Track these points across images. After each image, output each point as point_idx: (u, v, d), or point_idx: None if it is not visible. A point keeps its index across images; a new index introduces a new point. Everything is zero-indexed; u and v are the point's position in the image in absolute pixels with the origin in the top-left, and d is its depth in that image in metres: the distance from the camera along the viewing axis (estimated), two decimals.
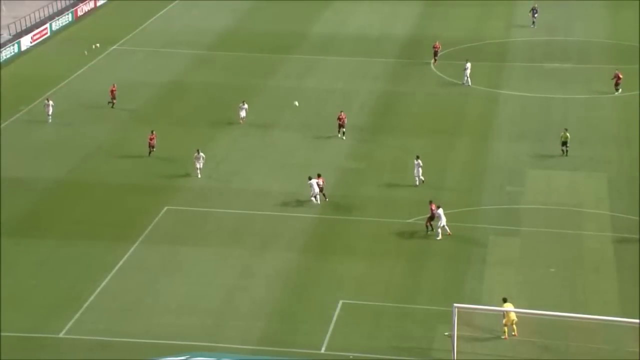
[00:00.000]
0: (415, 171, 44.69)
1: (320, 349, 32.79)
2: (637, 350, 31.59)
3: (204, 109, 56.00)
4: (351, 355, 32.30)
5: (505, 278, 37.45)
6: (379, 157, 49.04)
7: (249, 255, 39.43)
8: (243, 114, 52.22)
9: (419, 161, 44.62)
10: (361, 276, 37.71)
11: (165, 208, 43.42)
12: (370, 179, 46.44)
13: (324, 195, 43.21)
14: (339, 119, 50.66)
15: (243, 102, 52.74)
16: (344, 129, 50.60)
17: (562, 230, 41.25)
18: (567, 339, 32.85)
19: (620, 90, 56.05)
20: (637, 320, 31.99)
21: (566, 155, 47.05)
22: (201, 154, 45.51)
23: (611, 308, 35.04)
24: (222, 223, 42.06)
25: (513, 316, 32.74)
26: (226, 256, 39.39)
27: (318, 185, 43.01)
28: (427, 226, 40.25)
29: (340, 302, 35.65)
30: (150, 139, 48.44)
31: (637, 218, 41.81)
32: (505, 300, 33.47)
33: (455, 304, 32.05)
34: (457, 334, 31.78)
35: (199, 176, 45.10)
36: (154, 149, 48.41)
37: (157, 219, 42.41)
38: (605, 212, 42.91)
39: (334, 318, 34.61)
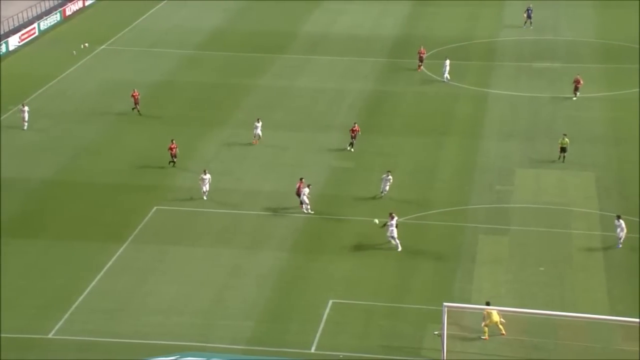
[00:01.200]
0: (382, 185, 43.18)
1: (310, 349, 32.80)
2: (626, 348, 31.69)
3: (195, 108, 55.84)
4: (341, 354, 32.34)
5: (494, 277, 37.56)
6: (369, 156, 49.03)
7: (239, 255, 39.40)
8: (258, 132, 49.34)
9: (390, 177, 43.25)
10: (351, 275, 37.75)
11: (155, 208, 43.34)
12: (360, 179, 46.46)
13: (301, 203, 42.12)
14: (352, 130, 49.00)
15: (258, 119, 49.69)
16: (354, 140, 48.94)
17: (551, 229, 41.39)
18: (556, 338, 32.95)
19: (578, 94, 55.24)
20: (626, 319, 32.13)
21: (563, 161, 46.36)
22: (207, 175, 43.02)
23: (600, 306, 35.19)
24: (212, 223, 42.01)
25: (496, 318, 32.75)
26: (216, 256, 39.35)
27: (302, 192, 41.95)
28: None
29: (331, 301, 35.69)
30: (171, 148, 46.78)
31: (624, 217, 41.91)
32: (487, 304, 33.50)
33: (445, 303, 32.08)
34: (446, 333, 31.82)
35: (205, 198, 43.21)
36: (176, 158, 46.87)
37: (146, 218, 42.33)
38: (594, 210, 43.09)
39: (324, 317, 34.64)
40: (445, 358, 31.77)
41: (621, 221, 38.66)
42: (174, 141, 47.32)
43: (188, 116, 54.56)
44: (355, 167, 47.90)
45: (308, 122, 53.59)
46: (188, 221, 42.25)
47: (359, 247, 39.78)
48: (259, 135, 49.48)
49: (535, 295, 36.10)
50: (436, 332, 32.59)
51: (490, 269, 38.11)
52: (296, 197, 42.56)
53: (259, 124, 49.62)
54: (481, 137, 51.25)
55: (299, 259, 39.16)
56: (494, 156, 49.01)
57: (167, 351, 32.05)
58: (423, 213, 42.65)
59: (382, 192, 43.34)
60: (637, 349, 30.63)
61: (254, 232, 41.27)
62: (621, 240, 38.63)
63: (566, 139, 46.81)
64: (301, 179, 42.73)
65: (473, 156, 48.95)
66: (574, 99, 55.10)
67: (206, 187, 43.19)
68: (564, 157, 46.80)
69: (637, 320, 31.12)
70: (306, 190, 42.31)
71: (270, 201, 44.03)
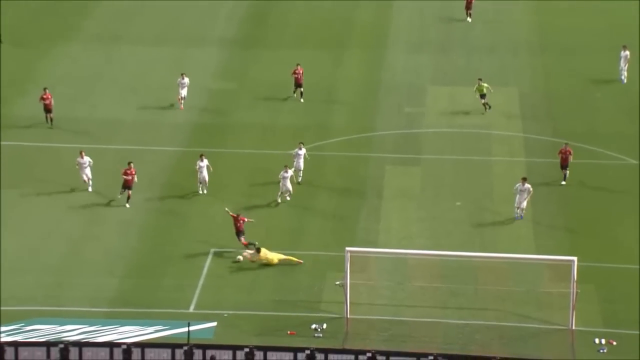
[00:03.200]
0: (295, 161, 39.19)
1: (188, 308, 32.67)
2: (553, 290, 32.83)
3: (34, 20, 53.93)
4: (226, 312, 32.30)
5: (404, 214, 37.99)
6: (254, 75, 48.56)
7: (97, 198, 38.60)
8: (184, 92, 44.47)
9: (303, 150, 39.13)
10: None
11: None
12: (245, 102, 46.01)
13: (128, 198, 37.66)
14: (295, 73, 45.61)
15: (182, 75, 44.60)
16: (302, 89, 45.36)
17: (468, 157, 42.03)
18: (475, 282, 33.73)
19: (471, 13, 54.34)
20: (554, 257, 33.22)
21: (489, 108, 44.99)
22: (86, 158, 38.47)
23: (525, 244, 36.12)
24: (62, 160, 40.90)
25: (265, 256, 33.76)
26: (70, 201, 38.40)
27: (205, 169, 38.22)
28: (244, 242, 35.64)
29: (212, 250, 35.47)
30: (44, 98, 42.55)
31: (552, 139, 43.11)
32: (254, 245, 34.32)
33: (348, 248, 32.32)
34: (350, 283, 32.06)
35: (90, 189, 38.55)
36: (52, 114, 42.83)
37: None
38: (517, 133, 43.94)
39: (204, 270, 34.47)
40: (348, 312, 32.07)
41: (527, 185, 37.00)
42: (47, 90, 43.30)
43: (25, 29, 52.61)
44: (238, 89, 47.37)
45: (176, 35, 52.62)
46: (32, 159, 41.19)
47: (244, 186, 39.48)
48: (184, 97, 44.58)
49: (451, 233, 36.75)
50: (338, 283, 32.78)
51: (400, 205, 38.52)
52: (124, 189, 37.60)
53: (186, 80, 44.58)
54: (386, 49, 51.41)
55: (173, 201, 38.67)
56: (401, 72, 49.25)
57: (10, 319, 31.36)
58: (320, 142, 42.62)
59: (299, 173, 39.09)
60: (567, 290, 31.76)
61: (114, 169, 40.14)
62: (522, 211, 37.04)
63: (483, 84, 45.13)
64: (130, 163, 37.72)
65: (377, 72, 49.05)
66: (469, 20, 54.74)
67: (87, 174, 38.63)
68: (486, 104, 45.05)
69: (566, 258, 32.20)
70: (204, 163, 38.01)
71: (133, 132, 43.14)
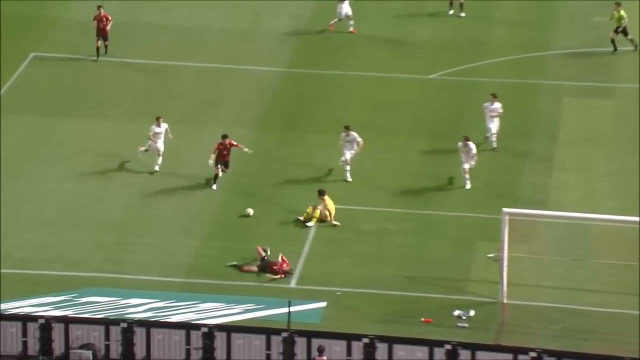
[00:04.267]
0: (487, 120, 38.19)
1: (288, 282, 33.15)
2: None
3: None
4: (339, 290, 32.60)
5: (588, 165, 37.97)
6: None
7: (172, 133, 39.05)
8: (348, 9, 44.91)
9: (496, 104, 38.20)
10: (356, 164, 37.55)
11: (32, 55, 43.51)
12: (370, 10, 46.69)
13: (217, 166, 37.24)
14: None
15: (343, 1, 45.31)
16: (462, 1, 45.80)
17: None
18: None
19: None
20: None
21: (635, 49, 43.82)
22: (163, 125, 37.87)
23: None
24: (126, 82, 42.11)
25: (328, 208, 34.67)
26: (136, 137, 38.68)
27: None
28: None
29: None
30: (98, 20, 42.52)
31: None
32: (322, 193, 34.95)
33: (506, 209, 32.20)
34: (508, 256, 31.97)
35: (157, 168, 37.61)
36: (107, 41, 43.00)
37: (19, 71, 42.65)
38: None
39: (310, 234, 34.92)
40: (505, 295, 32.12)
41: None
42: (102, 8, 42.75)
43: None
44: None
45: None
46: (88, 79, 42.41)
47: (367, 120, 39.70)
48: (348, 16, 45.18)
49: None
50: (491, 255, 33.01)
51: (582, 153, 38.55)
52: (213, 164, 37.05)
53: (345, 9, 45.20)
54: None
55: (270, 138, 39.38)
56: None
57: (58, 287, 32.26)
58: (472, 64, 43.07)
59: (491, 137, 38.35)
60: None
61: (197, 98, 41.32)
62: None
63: (621, 12, 43.44)
64: (224, 137, 36.96)
65: None
66: None
67: (159, 148, 37.83)
68: (631, 41, 43.57)
69: None
70: (352, 137, 36.69)
71: (221, 46, 44.26)
